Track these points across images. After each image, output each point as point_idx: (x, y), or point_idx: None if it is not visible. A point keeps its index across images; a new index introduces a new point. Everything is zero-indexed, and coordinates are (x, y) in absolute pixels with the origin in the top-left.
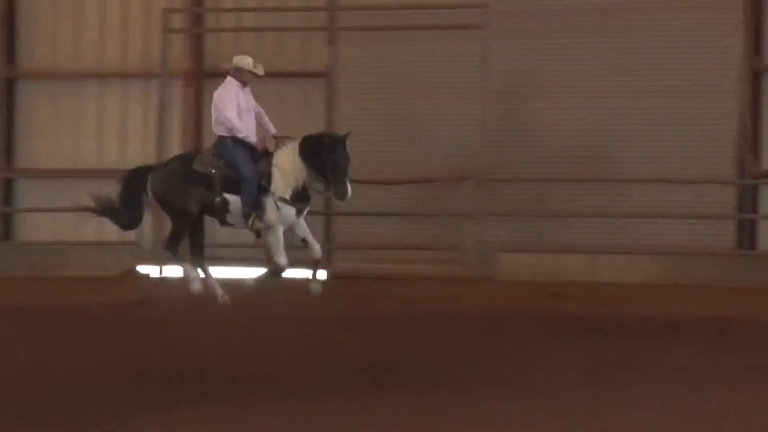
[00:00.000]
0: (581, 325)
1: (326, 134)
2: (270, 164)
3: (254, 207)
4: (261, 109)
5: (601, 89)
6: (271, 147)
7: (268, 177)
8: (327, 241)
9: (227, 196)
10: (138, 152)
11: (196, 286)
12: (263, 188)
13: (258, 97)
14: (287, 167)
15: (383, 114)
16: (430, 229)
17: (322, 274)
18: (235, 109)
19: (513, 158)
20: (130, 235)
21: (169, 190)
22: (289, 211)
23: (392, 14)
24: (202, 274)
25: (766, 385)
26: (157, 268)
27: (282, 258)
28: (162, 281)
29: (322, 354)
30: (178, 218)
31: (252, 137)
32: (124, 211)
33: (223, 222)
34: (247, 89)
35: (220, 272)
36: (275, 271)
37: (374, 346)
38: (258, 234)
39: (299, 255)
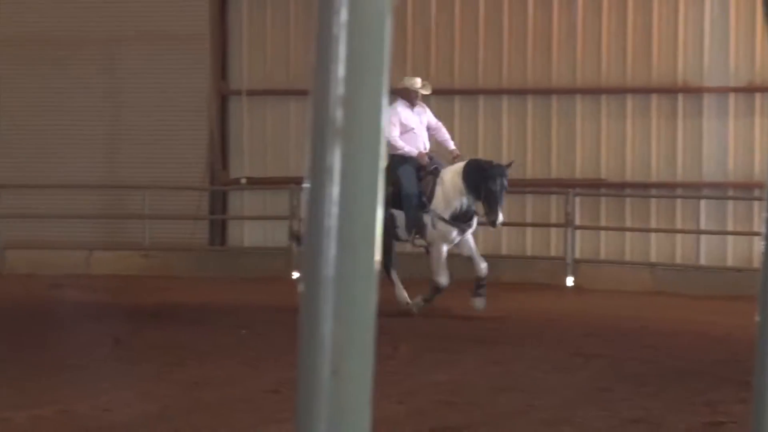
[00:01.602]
0: (86, 311)
1: (490, 162)
2: (435, 182)
3: (415, 223)
4: (440, 126)
5: (102, 108)
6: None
7: (431, 194)
8: None
9: (395, 211)
10: None
11: (403, 295)
12: (425, 205)
13: None
14: (449, 186)
15: None
16: None
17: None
18: (395, 129)
19: (28, 167)
20: None
21: None
22: (447, 229)
23: None
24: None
25: (229, 359)
26: None
27: (442, 277)
28: None
29: None
30: None
31: (414, 151)
32: None
33: (396, 237)
34: (419, 108)
35: None
36: (436, 288)
37: None
38: (427, 250)
39: None
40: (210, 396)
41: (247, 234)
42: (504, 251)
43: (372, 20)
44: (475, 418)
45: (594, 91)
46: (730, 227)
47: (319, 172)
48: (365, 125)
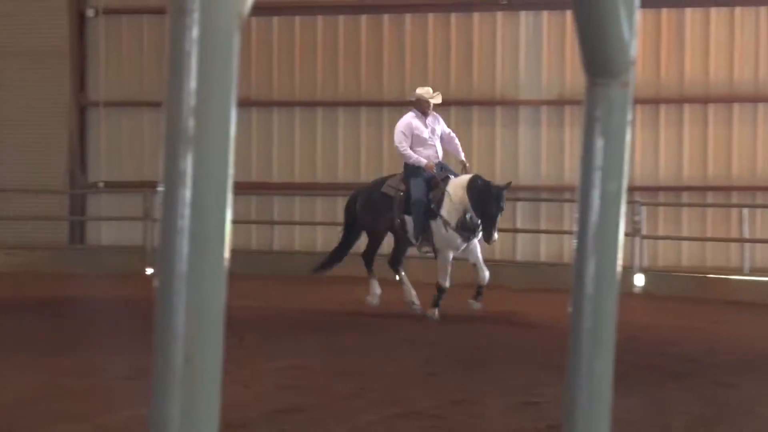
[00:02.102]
0: None
1: (488, 183)
2: (444, 191)
3: (422, 229)
4: (453, 137)
5: None
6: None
7: (440, 202)
8: None
9: (406, 217)
10: None
11: (374, 301)
12: (433, 212)
13: None
14: (455, 198)
15: None
16: None
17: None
18: (404, 138)
19: None
20: None
21: (363, 210)
22: (452, 236)
23: None
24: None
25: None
26: None
27: (444, 280)
28: None
29: None
30: (369, 235)
31: (423, 161)
32: (344, 233)
33: (407, 241)
34: (432, 117)
35: None
36: (440, 289)
37: None
38: (436, 255)
39: None
40: (72, 383)
41: (104, 233)
42: (331, 248)
43: (221, 37)
44: (313, 400)
45: None
46: (543, 226)
47: (172, 176)
48: (215, 133)
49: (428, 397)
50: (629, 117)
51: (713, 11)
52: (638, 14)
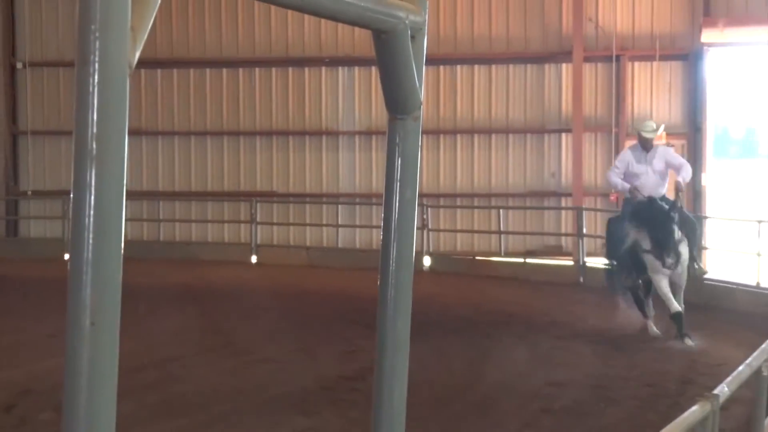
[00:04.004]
0: None
1: (653, 208)
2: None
3: (621, 255)
4: (683, 164)
5: None
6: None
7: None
8: None
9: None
10: None
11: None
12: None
13: None
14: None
15: None
16: None
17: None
18: (614, 169)
19: None
20: None
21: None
22: (651, 259)
23: None
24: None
25: None
26: None
27: (670, 306)
28: None
29: None
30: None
31: (625, 186)
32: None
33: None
34: (655, 152)
35: None
36: (673, 317)
37: None
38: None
39: None
40: (6, 339)
41: (32, 229)
42: (209, 239)
43: (115, 82)
44: (189, 351)
45: (267, 133)
46: (357, 222)
47: (81, 186)
48: (112, 154)
49: (275, 347)
50: (419, 143)
51: (476, 67)
52: (424, 69)
